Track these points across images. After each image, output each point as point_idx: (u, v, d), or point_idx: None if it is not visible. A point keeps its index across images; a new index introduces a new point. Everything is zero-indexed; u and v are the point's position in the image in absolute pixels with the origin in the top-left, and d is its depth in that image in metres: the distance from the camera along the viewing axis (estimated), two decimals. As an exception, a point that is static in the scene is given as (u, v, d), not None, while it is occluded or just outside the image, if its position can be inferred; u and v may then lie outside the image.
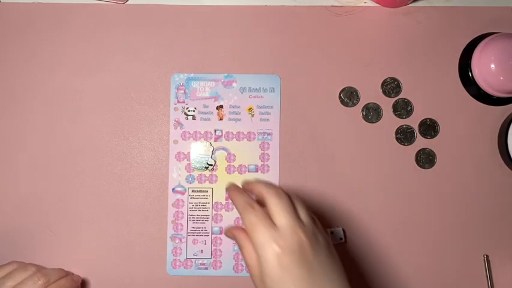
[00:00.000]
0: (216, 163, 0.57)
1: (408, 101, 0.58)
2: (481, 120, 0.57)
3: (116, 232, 0.57)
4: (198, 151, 0.57)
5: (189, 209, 0.57)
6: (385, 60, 0.58)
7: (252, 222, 0.43)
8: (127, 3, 0.58)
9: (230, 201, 0.57)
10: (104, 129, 0.58)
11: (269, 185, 0.45)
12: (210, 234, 0.57)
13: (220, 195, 0.57)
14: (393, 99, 0.58)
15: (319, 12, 0.58)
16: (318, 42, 0.58)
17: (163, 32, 0.58)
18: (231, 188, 0.47)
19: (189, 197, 0.57)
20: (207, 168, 0.57)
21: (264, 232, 0.42)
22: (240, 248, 0.45)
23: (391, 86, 0.58)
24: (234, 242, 0.56)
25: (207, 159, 0.57)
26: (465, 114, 0.58)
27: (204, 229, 0.57)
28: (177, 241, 0.57)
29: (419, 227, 0.57)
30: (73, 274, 0.56)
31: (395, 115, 0.58)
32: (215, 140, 0.57)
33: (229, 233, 0.47)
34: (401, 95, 0.58)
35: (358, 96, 0.58)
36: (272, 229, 0.43)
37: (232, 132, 0.57)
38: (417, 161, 0.57)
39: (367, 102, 0.58)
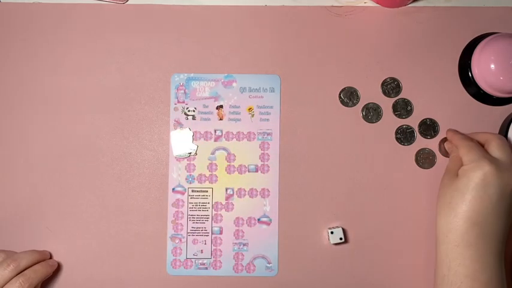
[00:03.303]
0: (197, 147, 0.57)
1: (408, 101, 0.58)
2: (481, 120, 0.57)
3: (116, 232, 0.57)
4: (179, 139, 0.57)
5: (189, 209, 0.57)
6: (385, 60, 0.58)
7: (470, 145, 0.48)
8: (127, 3, 0.58)
9: (230, 201, 0.57)
10: (104, 129, 0.58)
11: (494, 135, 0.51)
12: (210, 234, 0.57)
13: (220, 195, 0.57)
14: (393, 99, 0.58)
15: (319, 12, 0.58)
16: (318, 42, 0.58)
17: (163, 32, 0.58)
18: (450, 131, 0.54)
19: (189, 197, 0.57)
20: (190, 154, 0.57)
21: (480, 151, 0.47)
22: (458, 145, 0.50)
23: (391, 86, 0.58)
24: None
25: (188, 145, 0.57)
26: (465, 114, 0.58)
27: (204, 229, 0.57)
28: (177, 241, 0.57)
29: (419, 226, 0.57)
30: (49, 258, 0.55)
31: (395, 115, 0.58)
32: (215, 140, 0.57)
33: (448, 142, 0.53)
34: (401, 95, 0.58)
35: (358, 96, 0.58)
36: (488, 154, 0.47)
37: (232, 132, 0.57)
38: (417, 161, 0.57)
39: (367, 102, 0.58)
